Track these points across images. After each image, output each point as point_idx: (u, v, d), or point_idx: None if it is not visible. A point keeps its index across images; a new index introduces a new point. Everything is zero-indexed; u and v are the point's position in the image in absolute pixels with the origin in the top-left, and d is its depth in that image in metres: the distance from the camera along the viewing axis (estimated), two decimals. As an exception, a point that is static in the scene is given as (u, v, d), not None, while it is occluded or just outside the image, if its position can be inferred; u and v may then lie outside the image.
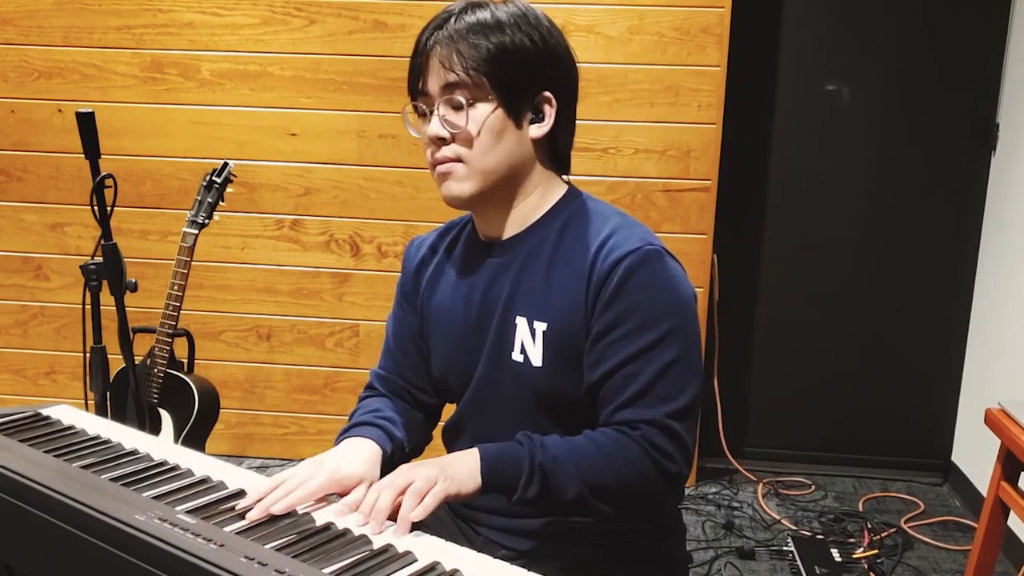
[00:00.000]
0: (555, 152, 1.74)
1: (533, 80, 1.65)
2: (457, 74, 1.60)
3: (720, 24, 3.67)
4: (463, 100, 1.61)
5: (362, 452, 1.64)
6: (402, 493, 1.43)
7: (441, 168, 1.66)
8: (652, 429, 1.55)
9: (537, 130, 1.67)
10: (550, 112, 1.68)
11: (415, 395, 1.88)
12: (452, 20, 1.63)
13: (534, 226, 1.72)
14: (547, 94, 1.67)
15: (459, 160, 1.64)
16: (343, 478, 1.54)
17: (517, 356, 1.68)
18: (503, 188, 1.69)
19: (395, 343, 1.90)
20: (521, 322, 1.67)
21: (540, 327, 1.65)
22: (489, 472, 1.53)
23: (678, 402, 1.57)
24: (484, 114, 1.62)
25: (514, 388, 1.70)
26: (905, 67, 3.98)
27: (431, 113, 1.65)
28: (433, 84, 1.63)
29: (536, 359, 1.66)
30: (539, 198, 1.73)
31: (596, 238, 1.64)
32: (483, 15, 1.63)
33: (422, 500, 1.43)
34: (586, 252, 1.63)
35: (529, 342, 1.66)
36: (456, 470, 1.51)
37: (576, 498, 1.54)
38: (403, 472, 1.48)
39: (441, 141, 1.64)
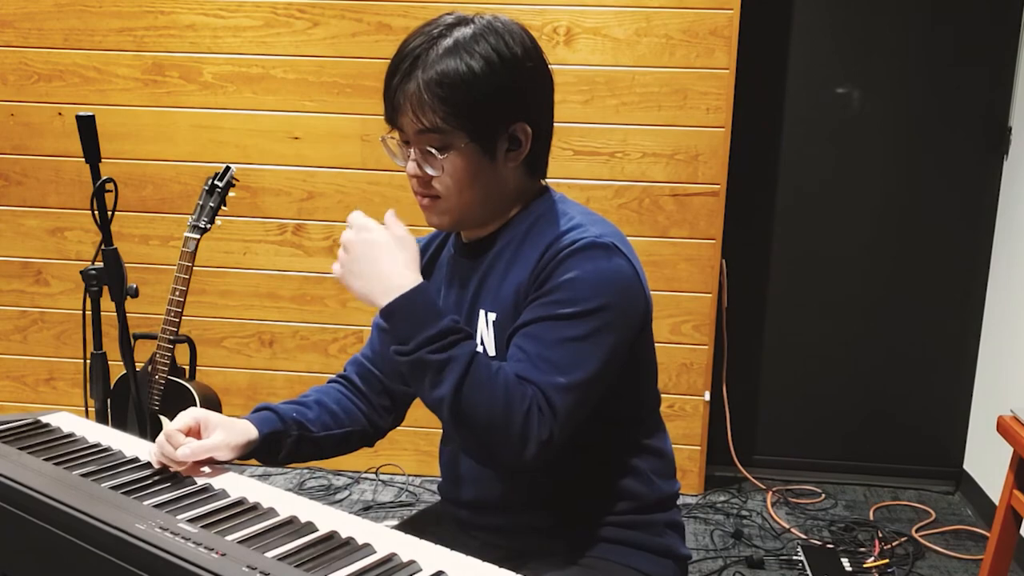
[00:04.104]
0: (532, 163, 1.75)
1: (505, 116, 1.66)
2: (425, 124, 1.63)
3: (729, 26, 3.65)
4: (434, 150, 1.64)
5: (226, 417, 1.71)
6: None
7: (421, 201, 1.72)
8: (537, 391, 1.55)
9: (515, 157, 1.70)
10: (526, 140, 1.69)
11: (384, 383, 1.93)
12: (420, 59, 1.63)
13: (505, 226, 1.76)
14: (522, 124, 1.68)
15: (437, 197, 1.69)
16: (197, 412, 1.68)
17: (479, 347, 1.70)
18: (484, 212, 1.74)
19: (377, 332, 1.97)
20: (482, 314, 1.73)
21: (492, 317, 1.71)
22: (390, 310, 1.56)
23: (565, 376, 1.57)
24: (456, 161, 1.65)
25: None
26: (917, 70, 3.96)
27: (408, 146, 1.69)
28: (407, 125, 1.66)
29: (491, 348, 1.71)
30: (519, 203, 1.77)
31: (552, 235, 1.67)
32: (454, 59, 1.61)
33: None
34: (541, 247, 1.66)
35: (486, 333, 1.72)
36: (359, 274, 1.62)
37: (439, 398, 1.53)
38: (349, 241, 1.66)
39: (418, 178, 1.69)
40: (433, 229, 1.95)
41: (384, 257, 1.58)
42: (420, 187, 1.69)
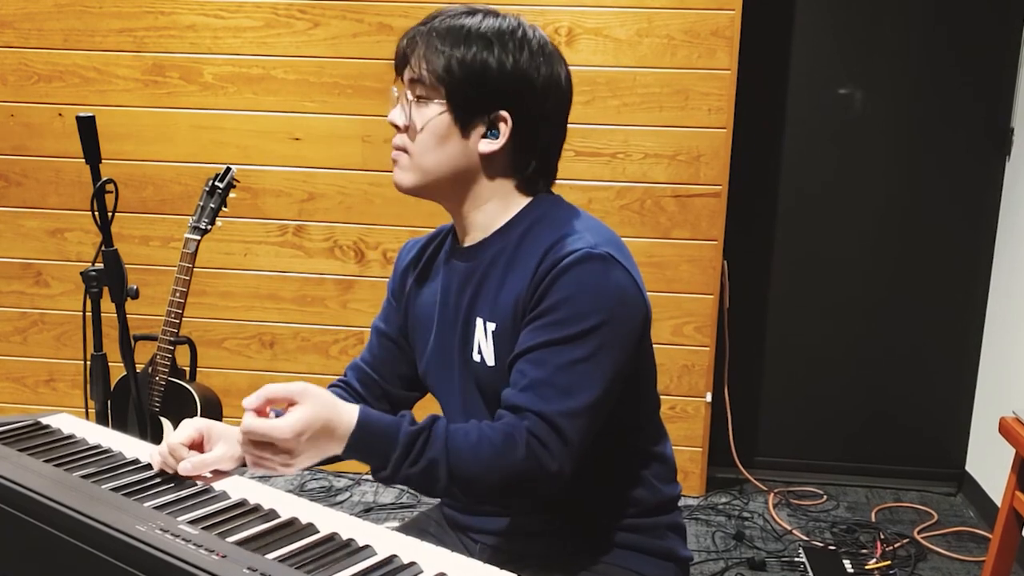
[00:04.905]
0: (516, 169, 1.74)
1: (490, 98, 1.68)
2: (419, 73, 1.67)
3: (730, 26, 3.64)
4: (414, 97, 1.69)
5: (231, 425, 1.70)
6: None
7: (392, 154, 1.74)
8: (541, 422, 1.55)
9: (487, 146, 1.69)
10: (505, 131, 1.69)
11: (384, 388, 1.95)
12: (436, 20, 1.69)
13: (497, 233, 1.75)
14: (503, 113, 1.68)
15: (405, 150, 1.71)
16: (201, 423, 1.66)
17: (476, 356, 1.73)
18: (448, 189, 1.74)
19: (375, 336, 1.98)
20: (479, 323, 1.72)
21: (491, 327, 1.70)
22: (352, 450, 1.53)
23: (574, 400, 1.57)
24: (430, 115, 1.68)
25: (479, 388, 1.75)
26: (919, 71, 3.95)
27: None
28: (405, 76, 1.72)
29: (489, 358, 1.71)
30: (500, 207, 1.75)
31: (548, 241, 1.66)
32: (466, 23, 1.67)
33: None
34: (537, 255, 1.65)
35: (484, 342, 1.71)
36: (313, 457, 1.52)
37: (443, 492, 1.57)
38: (287, 449, 1.49)
39: (397, 128, 1.72)
40: (429, 233, 1.96)
41: (305, 435, 1.49)
42: (395, 140, 1.72)
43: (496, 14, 1.70)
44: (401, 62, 1.71)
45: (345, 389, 1.95)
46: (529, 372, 1.59)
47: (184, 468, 1.54)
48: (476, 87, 1.65)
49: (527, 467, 1.54)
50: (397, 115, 1.71)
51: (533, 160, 1.74)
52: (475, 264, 1.75)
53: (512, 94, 1.67)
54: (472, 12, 1.69)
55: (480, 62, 1.64)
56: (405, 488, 3.96)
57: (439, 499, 1.77)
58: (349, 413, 1.52)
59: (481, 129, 1.68)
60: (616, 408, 1.67)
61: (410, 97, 1.68)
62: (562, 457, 1.55)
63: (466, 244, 1.79)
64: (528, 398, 1.57)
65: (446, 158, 1.69)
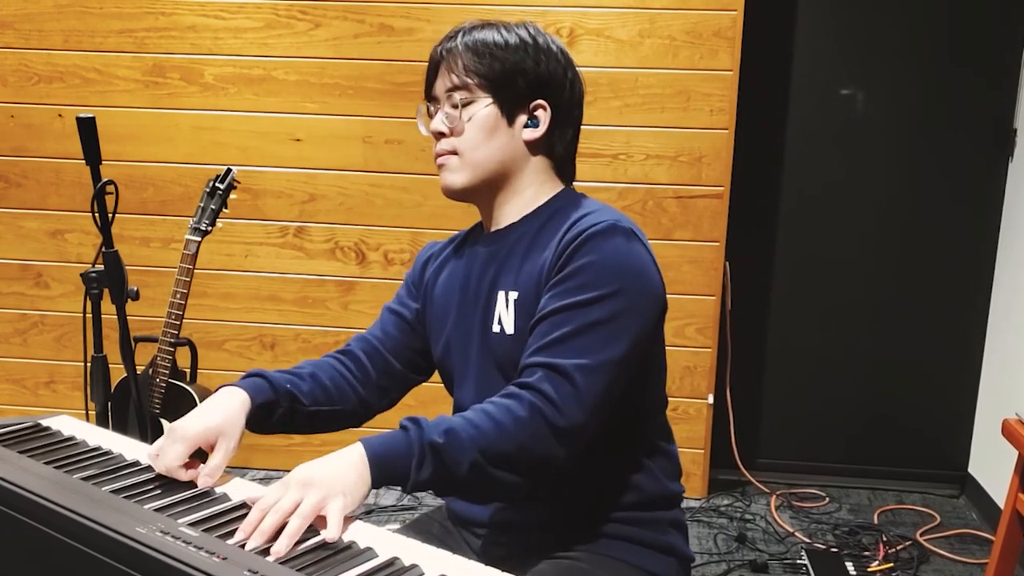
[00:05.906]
0: (553, 156, 1.85)
1: (528, 91, 1.78)
2: (459, 77, 1.77)
3: (732, 27, 3.63)
4: (460, 100, 1.77)
5: (220, 404, 1.69)
6: (290, 514, 1.36)
7: (439, 160, 1.81)
8: (550, 375, 1.57)
9: (531, 133, 1.80)
10: (545, 118, 1.80)
11: (388, 363, 1.97)
12: (463, 33, 1.79)
13: (526, 217, 1.83)
14: (542, 102, 1.79)
15: (454, 152, 1.79)
16: (195, 435, 1.60)
17: (496, 328, 1.77)
18: (496, 181, 1.82)
19: (388, 315, 2.02)
20: (500, 296, 1.78)
21: (513, 296, 1.75)
22: (377, 469, 1.50)
23: (589, 358, 1.59)
24: (477, 111, 1.77)
25: (496, 363, 1.78)
26: (921, 72, 3.95)
27: (437, 107, 1.82)
28: (440, 88, 1.81)
29: (509, 327, 1.75)
30: (534, 194, 1.84)
31: (572, 218, 1.74)
32: (496, 31, 1.79)
33: (306, 520, 1.37)
34: (563, 227, 1.73)
35: (504, 312, 1.76)
36: (348, 481, 1.45)
37: (472, 468, 1.52)
38: (292, 490, 1.40)
39: (441, 135, 1.79)
40: (436, 241, 2.01)
41: (320, 476, 1.44)
42: (441, 145, 1.79)
43: (517, 24, 1.80)
44: (433, 76, 1.81)
45: (344, 360, 1.94)
46: (547, 333, 1.62)
47: (204, 483, 1.53)
48: (517, 82, 1.76)
49: (533, 427, 1.54)
50: (439, 122, 1.79)
51: (570, 146, 1.86)
52: (499, 246, 1.83)
53: (547, 87, 1.79)
54: (492, 25, 1.80)
55: (517, 62, 1.76)
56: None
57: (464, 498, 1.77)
58: (351, 451, 1.50)
59: (523, 118, 1.79)
60: (625, 396, 1.68)
61: (457, 99, 1.76)
62: (571, 411, 1.56)
63: (494, 229, 1.86)
64: (544, 356, 1.60)
65: (496, 150, 1.78)
